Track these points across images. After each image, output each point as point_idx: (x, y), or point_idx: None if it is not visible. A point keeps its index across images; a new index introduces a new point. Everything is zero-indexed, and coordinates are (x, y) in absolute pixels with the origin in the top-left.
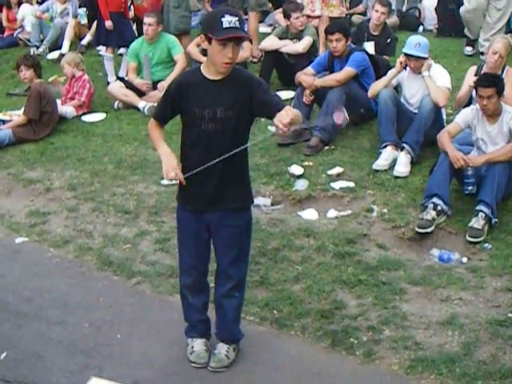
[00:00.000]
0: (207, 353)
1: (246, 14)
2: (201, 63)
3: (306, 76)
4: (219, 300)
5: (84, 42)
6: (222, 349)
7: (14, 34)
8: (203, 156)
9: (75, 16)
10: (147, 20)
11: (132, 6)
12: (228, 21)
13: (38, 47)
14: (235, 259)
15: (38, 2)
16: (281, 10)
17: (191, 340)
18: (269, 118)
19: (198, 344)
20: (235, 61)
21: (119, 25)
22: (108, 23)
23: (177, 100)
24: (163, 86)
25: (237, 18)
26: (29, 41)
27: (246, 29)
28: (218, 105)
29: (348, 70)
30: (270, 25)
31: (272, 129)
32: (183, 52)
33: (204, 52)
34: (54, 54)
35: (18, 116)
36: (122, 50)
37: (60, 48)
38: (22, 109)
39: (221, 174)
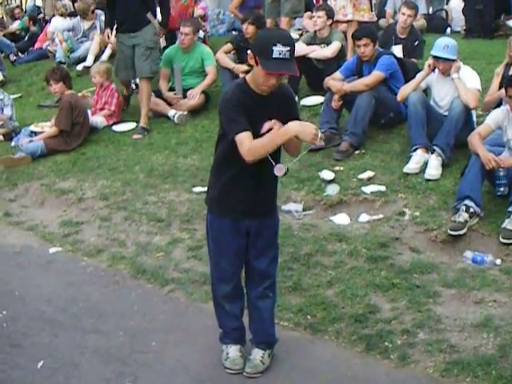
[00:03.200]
0: (242, 359)
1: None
2: (229, 70)
3: (335, 81)
4: (254, 302)
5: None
6: (258, 354)
7: (44, 47)
8: (246, 168)
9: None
10: (184, 29)
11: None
12: (279, 51)
13: (62, 63)
14: (273, 257)
15: (69, 15)
16: (308, 14)
17: (226, 346)
18: None
19: (233, 350)
20: (278, 85)
21: None
22: None
23: (245, 111)
24: (192, 94)
25: (288, 49)
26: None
27: None
28: (264, 118)
29: (376, 74)
30: (299, 29)
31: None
32: (215, 65)
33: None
34: (79, 67)
35: (49, 127)
36: None
37: (84, 60)
38: (53, 120)
39: (260, 183)
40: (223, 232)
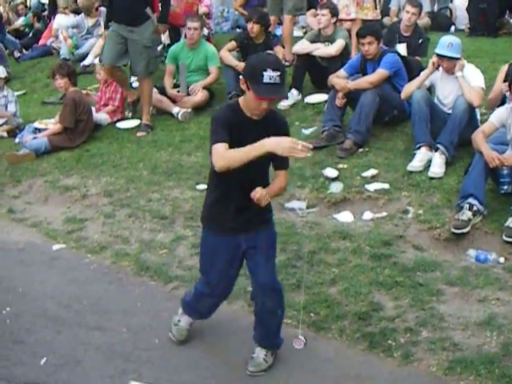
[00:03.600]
0: (188, 332)
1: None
2: (232, 67)
3: (339, 79)
4: (262, 315)
5: None
6: (261, 353)
7: (48, 44)
8: (235, 187)
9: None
10: (192, 24)
11: None
12: (269, 76)
13: (66, 59)
14: (273, 270)
15: (73, 12)
16: (313, 12)
17: (182, 314)
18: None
19: (186, 321)
20: (269, 109)
21: None
22: None
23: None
24: (194, 89)
25: (278, 73)
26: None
27: (278, 33)
28: (255, 138)
29: (381, 72)
30: (303, 27)
31: (306, 131)
32: (219, 66)
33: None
34: (85, 62)
35: (53, 124)
36: None
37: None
38: (57, 117)
39: (250, 200)
40: (214, 250)
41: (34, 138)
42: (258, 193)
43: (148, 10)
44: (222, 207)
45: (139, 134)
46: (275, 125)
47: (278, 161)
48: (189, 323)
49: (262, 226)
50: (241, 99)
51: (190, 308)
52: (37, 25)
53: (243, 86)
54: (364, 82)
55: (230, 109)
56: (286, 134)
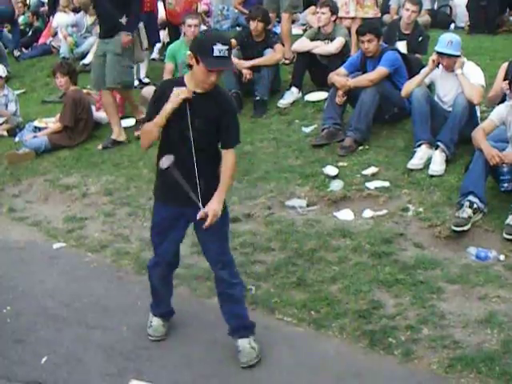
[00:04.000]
0: (164, 328)
1: (278, 16)
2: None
3: (339, 76)
4: (224, 296)
5: None
6: (244, 343)
7: (48, 42)
8: (184, 159)
9: None
10: (192, 21)
11: (164, 11)
12: (219, 49)
13: (66, 58)
14: (222, 245)
15: (72, 10)
16: (312, 9)
17: (152, 316)
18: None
19: (157, 321)
20: (217, 82)
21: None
22: None
23: (161, 106)
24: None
25: (227, 47)
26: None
27: (277, 31)
28: (196, 115)
29: (381, 70)
30: (303, 24)
31: (306, 129)
32: None
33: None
34: (86, 61)
35: (53, 123)
36: (154, 55)
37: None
38: (57, 116)
39: (193, 172)
40: (163, 220)
41: (34, 136)
42: (208, 215)
43: (123, 20)
44: (168, 180)
45: (137, 133)
46: (221, 97)
47: (223, 137)
48: (160, 321)
49: (210, 198)
50: (186, 75)
51: (154, 304)
52: (36, 23)
53: (191, 61)
54: (364, 79)
55: (175, 81)
56: (230, 107)
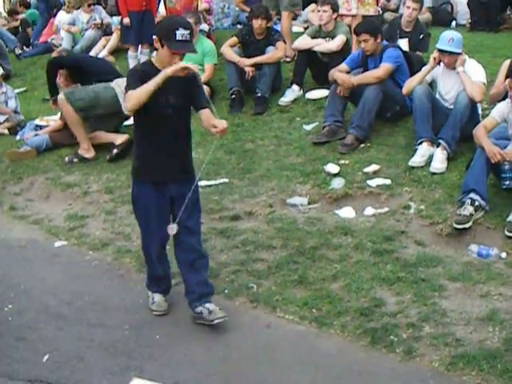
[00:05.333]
0: (166, 303)
1: (278, 14)
2: (234, 63)
3: (341, 73)
4: (192, 262)
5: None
6: (212, 306)
7: (49, 40)
8: (159, 136)
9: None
10: None
11: (163, 9)
12: (181, 34)
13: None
14: (198, 218)
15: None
16: (313, 7)
17: (152, 293)
18: (195, 108)
19: (158, 296)
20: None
21: (139, 23)
22: (125, 20)
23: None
24: None
25: (189, 32)
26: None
27: (278, 29)
28: (169, 92)
29: (386, 67)
30: (306, 21)
31: (307, 127)
32: (214, 64)
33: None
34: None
35: (54, 121)
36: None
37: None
38: (59, 114)
39: (171, 149)
40: (147, 196)
41: (36, 135)
42: (219, 127)
43: None
44: (146, 157)
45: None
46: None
47: (196, 100)
48: (162, 296)
49: (185, 178)
50: (153, 58)
51: (150, 279)
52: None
53: (156, 45)
54: (370, 76)
55: (142, 65)
56: (192, 82)
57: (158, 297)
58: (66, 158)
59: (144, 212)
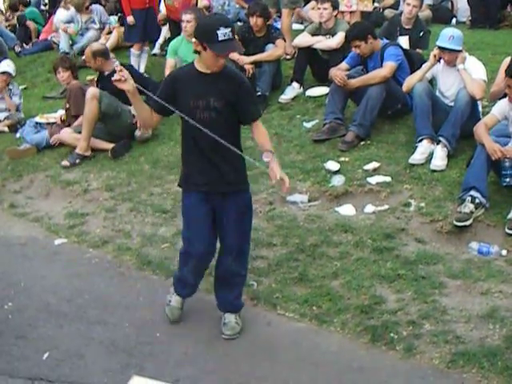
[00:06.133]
0: (180, 311)
1: (278, 12)
2: (233, 61)
3: (342, 74)
4: (224, 275)
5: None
6: (231, 317)
7: (49, 38)
8: (201, 143)
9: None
10: (185, 17)
11: (164, 7)
12: (223, 33)
13: (66, 53)
14: (242, 234)
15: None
16: (313, 5)
17: (173, 294)
18: (241, 122)
19: (176, 301)
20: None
21: (142, 22)
22: (129, 19)
23: (171, 94)
24: None
25: (230, 29)
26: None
27: (278, 26)
28: (210, 95)
29: (390, 65)
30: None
31: (307, 125)
32: None
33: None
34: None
35: (54, 118)
36: (155, 51)
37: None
38: (58, 112)
39: (213, 158)
40: (190, 207)
41: (37, 132)
42: (278, 177)
43: None
44: (191, 166)
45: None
46: (229, 77)
47: (243, 113)
48: (179, 302)
49: (231, 190)
50: (196, 60)
51: (178, 280)
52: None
53: (198, 48)
54: (377, 76)
55: (184, 67)
56: (240, 87)
57: (175, 300)
58: (68, 162)
59: (186, 219)
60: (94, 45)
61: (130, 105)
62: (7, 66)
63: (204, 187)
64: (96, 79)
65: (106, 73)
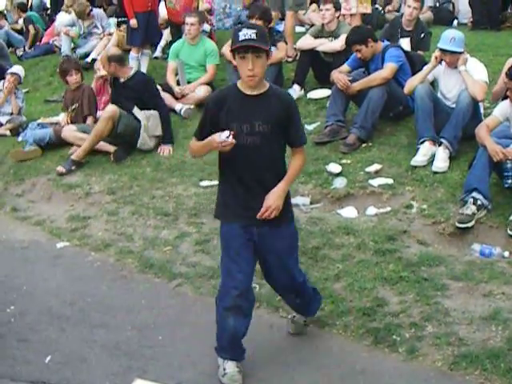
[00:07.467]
0: (240, 374)
1: (283, 14)
2: (233, 65)
3: (343, 77)
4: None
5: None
6: (300, 319)
7: (50, 42)
8: (242, 171)
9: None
10: (189, 20)
11: (164, 10)
12: (244, 34)
13: (68, 57)
14: (289, 270)
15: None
16: (314, 7)
17: (223, 361)
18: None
19: (231, 366)
20: (258, 74)
21: (144, 25)
22: (133, 22)
23: (215, 115)
24: (191, 89)
25: (254, 31)
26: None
27: (280, 29)
28: (255, 119)
29: (391, 66)
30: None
31: (309, 127)
32: (216, 64)
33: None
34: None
35: (56, 121)
36: (157, 54)
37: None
38: (60, 115)
39: (253, 189)
40: (228, 238)
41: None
42: (266, 207)
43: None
44: (229, 195)
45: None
46: (278, 101)
47: (291, 137)
48: (235, 365)
49: (274, 223)
50: (239, 80)
51: (221, 344)
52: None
53: (234, 62)
54: (377, 78)
55: (227, 88)
56: (289, 108)
57: (230, 367)
58: (63, 169)
59: (223, 253)
60: (110, 49)
61: (148, 109)
62: (19, 70)
63: (244, 220)
64: (110, 82)
65: (122, 80)
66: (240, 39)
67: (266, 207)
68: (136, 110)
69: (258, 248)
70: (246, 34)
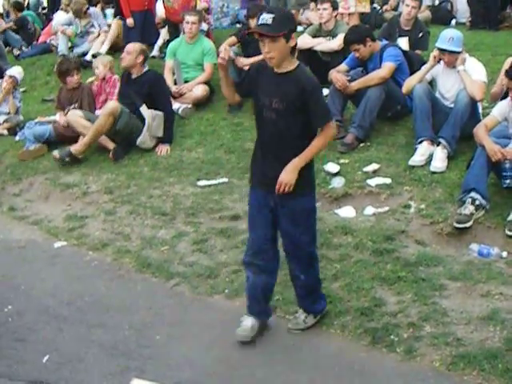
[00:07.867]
0: (252, 331)
1: None
2: (233, 63)
3: (341, 77)
4: (290, 276)
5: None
6: (302, 315)
7: (47, 41)
8: (266, 141)
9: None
10: (189, 18)
11: (161, 8)
12: (262, 18)
13: (66, 56)
14: (300, 237)
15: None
16: (312, 7)
17: (245, 315)
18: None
19: (247, 320)
20: (275, 56)
21: (141, 23)
22: (129, 21)
23: (254, 78)
24: (188, 88)
25: (271, 16)
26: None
27: None
28: (274, 96)
29: (389, 65)
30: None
31: None
32: (214, 63)
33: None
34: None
35: (53, 120)
36: (154, 53)
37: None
38: (57, 115)
39: (276, 158)
40: (250, 202)
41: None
42: (279, 183)
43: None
44: (254, 162)
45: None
46: (296, 83)
47: (310, 118)
48: (251, 321)
49: (289, 194)
50: None
51: (248, 297)
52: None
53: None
54: (375, 77)
55: (262, 64)
56: (303, 93)
57: (246, 320)
58: (58, 155)
59: (249, 217)
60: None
61: (155, 108)
62: (18, 72)
63: (263, 186)
64: (122, 76)
65: (134, 76)
66: (258, 23)
67: (279, 183)
68: (143, 108)
69: (274, 213)
70: (263, 18)
